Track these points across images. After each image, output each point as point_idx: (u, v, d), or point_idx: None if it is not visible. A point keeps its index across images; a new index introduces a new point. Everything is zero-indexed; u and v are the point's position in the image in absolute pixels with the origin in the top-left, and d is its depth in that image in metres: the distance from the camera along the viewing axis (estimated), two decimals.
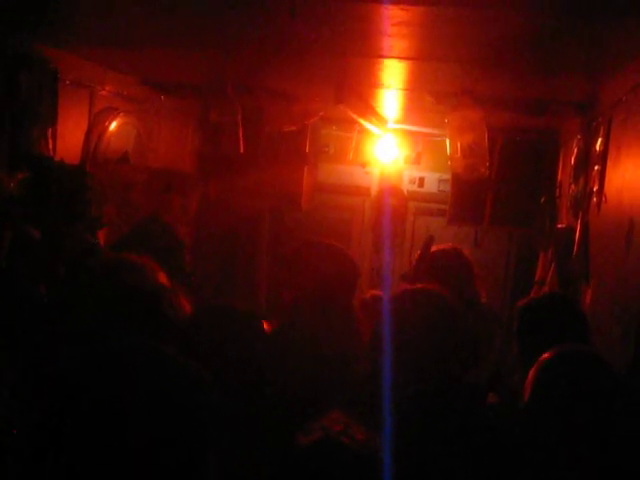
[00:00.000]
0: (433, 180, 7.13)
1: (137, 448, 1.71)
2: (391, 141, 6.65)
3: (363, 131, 6.44)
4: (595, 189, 3.89)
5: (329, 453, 1.80)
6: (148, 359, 1.90)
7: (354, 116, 5.21)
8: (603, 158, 3.79)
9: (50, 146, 4.11)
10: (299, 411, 2.61)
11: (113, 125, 4.79)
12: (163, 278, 2.81)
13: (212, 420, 1.85)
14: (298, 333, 3.04)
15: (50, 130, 4.11)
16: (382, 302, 3.41)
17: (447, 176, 6.61)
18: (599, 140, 3.91)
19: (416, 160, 7.10)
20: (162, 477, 1.73)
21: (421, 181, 7.16)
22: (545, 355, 2.39)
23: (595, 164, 3.95)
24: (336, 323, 3.09)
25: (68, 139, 4.38)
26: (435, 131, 6.33)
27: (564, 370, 2.33)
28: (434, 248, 4.18)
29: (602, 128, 3.89)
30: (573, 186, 4.55)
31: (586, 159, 4.28)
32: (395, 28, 3.09)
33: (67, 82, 4.27)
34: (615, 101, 3.61)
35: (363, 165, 6.97)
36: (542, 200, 5.68)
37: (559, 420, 2.24)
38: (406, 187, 7.14)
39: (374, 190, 7.21)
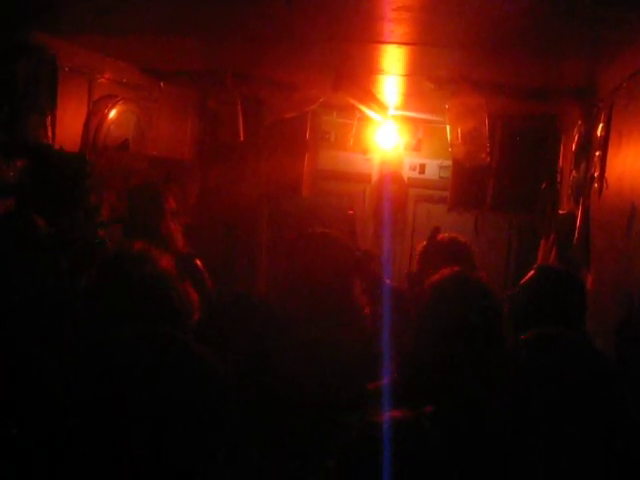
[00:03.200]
0: (434, 167, 7.11)
1: (150, 441, 1.71)
2: (392, 128, 6.62)
3: (363, 118, 6.42)
4: (596, 175, 3.88)
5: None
6: (163, 348, 1.90)
7: (354, 103, 5.19)
8: (604, 144, 3.78)
9: (49, 134, 4.10)
10: (301, 397, 2.64)
11: (113, 113, 4.77)
12: (170, 266, 2.81)
13: (226, 417, 1.85)
14: (297, 321, 3.05)
15: (49, 118, 4.10)
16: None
17: (448, 163, 6.59)
18: (600, 126, 3.90)
19: (417, 147, 7.09)
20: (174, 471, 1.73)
21: (422, 168, 7.15)
22: (523, 336, 2.40)
23: (596, 150, 3.94)
24: (333, 311, 3.10)
25: (67, 127, 4.36)
26: (436, 118, 6.30)
27: (542, 353, 2.33)
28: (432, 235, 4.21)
29: (603, 114, 3.88)
30: (574, 172, 4.55)
31: (587, 145, 4.27)
32: (395, 13, 3.07)
33: (66, 69, 4.24)
34: (616, 87, 3.59)
35: (364, 152, 6.97)
36: (543, 186, 5.67)
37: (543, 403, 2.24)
38: (407, 174, 7.13)
39: (375, 177, 7.21)
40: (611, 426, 2.17)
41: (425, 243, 4.27)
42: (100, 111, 4.66)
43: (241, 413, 1.92)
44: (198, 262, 4.22)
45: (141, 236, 4.13)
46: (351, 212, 4.06)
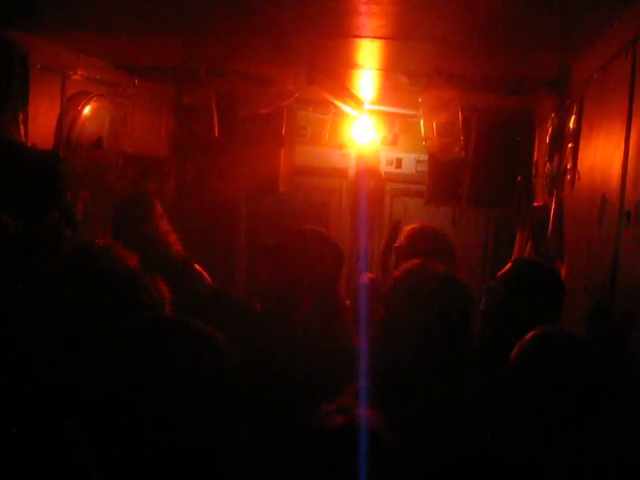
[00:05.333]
0: (410, 161, 7.13)
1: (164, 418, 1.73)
2: (368, 122, 6.64)
3: (339, 113, 6.43)
4: (569, 167, 3.91)
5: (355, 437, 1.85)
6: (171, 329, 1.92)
7: (329, 97, 5.19)
8: (576, 136, 3.80)
9: (22, 132, 4.07)
10: (285, 392, 2.65)
11: (86, 110, 4.74)
12: (135, 262, 2.81)
13: (236, 386, 1.87)
14: (283, 319, 3.06)
15: (21, 116, 4.07)
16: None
17: (424, 157, 6.62)
18: (572, 118, 3.92)
19: (393, 141, 7.09)
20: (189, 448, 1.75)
21: (398, 162, 7.16)
22: (527, 336, 2.44)
23: (569, 142, 3.96)
24: (322, 309, 3.11)
25: (40, 124, 4.33)
26: (412, 112, 6.31)
27: (548, 352, 2.36)
28: (412, 226, 4.21)
29: (575, 106, 3.90)
30: (548, 164, 4.57)
31: (560, 137, 4.29)
32: (366, 6, 3.08)
33: (38, 67, 4.21)
34: (587, 79, 3.62)
35: (340, 147, 6.98)
36: (518, 179, 5.70)
37: (543, 399, 2.27)
38: (383, 168, 7.14)
39: (351, 172, 7.21)
40: (609, 427, 2.21)
41: (387, 239, 4.28)
42: (73, 108, 4.63)
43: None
44: (196, 266, 4.24)
45: (132, 242, 4.14)
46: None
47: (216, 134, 5.29)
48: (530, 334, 2.43)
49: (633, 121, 2.68)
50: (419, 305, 2.59)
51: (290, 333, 2.97)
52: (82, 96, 4.73)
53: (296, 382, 2.76)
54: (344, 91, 5.39)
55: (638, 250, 2.50)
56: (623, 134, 2.77)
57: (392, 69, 4.61)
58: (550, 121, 4.60)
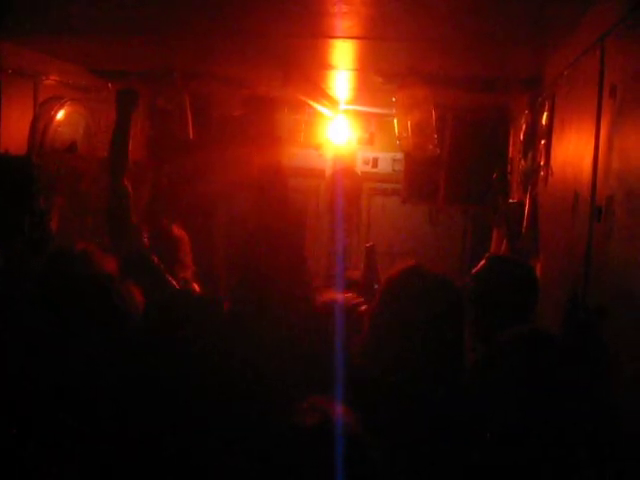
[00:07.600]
0: (387, 160, 7.16)
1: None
2: (343, 122, 6.65)
3: (314, 113, 6.44)
4: (542, 163, 3.93)
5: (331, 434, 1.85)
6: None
7: (303, 98, 5.19)
8: (548, 132, 3.82)
9: None
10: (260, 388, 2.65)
11: (60, 114, 4.70)
12: (111, 266, 2.81)
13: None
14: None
15: None
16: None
17: (401, 156, 6.65)
18: (544, 115, 3.95)
19: (369, 141, 7.12)
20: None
21: (375, 161, 7.19)
22: (499, 336, 2.45)
23: (541, 139, 3.99)
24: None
25: (13, 130, 4.30)
26: (387, 111, 6.33)
27: (522, 352, 2.38)
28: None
29: (547, 103, 3.93)
30: (522, 161, 4.60)
31: (533, 134, 4.32)
32: (335, 7, 3.08)
33: (9, 72, 4.18)
34: (558, 75, 3.64)
35: (316, 148, 6.98)
36: (494, 176, 5.73)
37: (511, 398, 2.29)
38: (360, 168, 7.17)
39: (328, 172, 7.22)
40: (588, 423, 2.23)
41: (364, 264, 4.30)
42: (46, 113, 4.60)
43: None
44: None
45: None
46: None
47: (191, 136, 5.27)
48: (504, 334, 2.44)
49: (602, 117, 2.70)
50: (414, 305, 2.57)
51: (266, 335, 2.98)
52: (55, 101, 4.70)
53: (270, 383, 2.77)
54: (319, 92, 5.40)
55: (610, 245, 2.52)
56: (593, 130, 2.79)
57: (366, 69, 4.62)
58: (524, 118, 4.63)
